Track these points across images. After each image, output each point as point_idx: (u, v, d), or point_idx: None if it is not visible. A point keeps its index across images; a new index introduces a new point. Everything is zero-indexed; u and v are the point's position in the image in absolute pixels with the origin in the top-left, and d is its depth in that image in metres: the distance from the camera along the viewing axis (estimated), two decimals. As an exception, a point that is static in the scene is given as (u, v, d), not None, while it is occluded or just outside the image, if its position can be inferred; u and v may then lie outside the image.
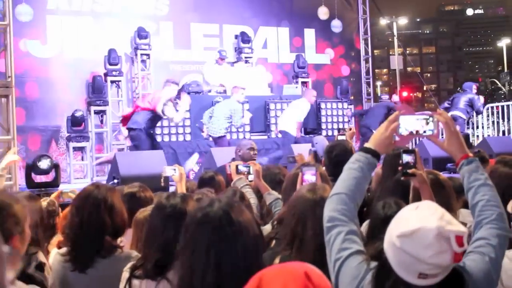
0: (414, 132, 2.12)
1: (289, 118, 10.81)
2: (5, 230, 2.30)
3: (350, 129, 7.03)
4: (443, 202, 2.80)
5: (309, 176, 3.13)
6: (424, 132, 2.12)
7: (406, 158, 2.77)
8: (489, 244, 1.92)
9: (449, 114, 10.80)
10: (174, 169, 4.38)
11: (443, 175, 3.46)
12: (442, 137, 2.19)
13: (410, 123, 2.11)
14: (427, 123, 2.11)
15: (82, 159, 11.77)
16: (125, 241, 3.15)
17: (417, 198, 2.88)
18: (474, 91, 11.79)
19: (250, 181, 3.90)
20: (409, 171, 2.76)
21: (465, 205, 3.15)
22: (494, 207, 2.00)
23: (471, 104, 11.48)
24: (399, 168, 2.81)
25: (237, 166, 4.01)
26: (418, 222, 1.70)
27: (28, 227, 2.47)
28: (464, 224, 3.09)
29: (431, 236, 1.67)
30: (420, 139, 9.02)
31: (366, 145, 2.14)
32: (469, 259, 1.88)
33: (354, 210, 2.03)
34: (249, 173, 3.83)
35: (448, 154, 2.18)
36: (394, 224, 1.77)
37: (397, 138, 2.13)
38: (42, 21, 12.24)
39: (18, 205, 2.42)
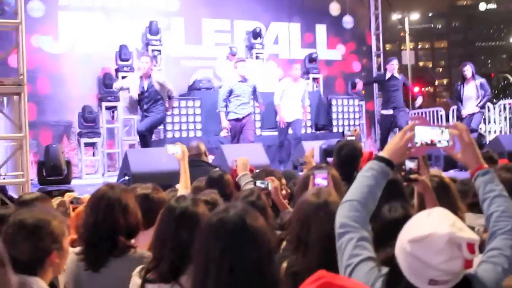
0: (430, 142, 2.12)
1: (288, 107, 10.54)
2: (42, 248, 2.43)
3: (356, 130, 7.10)
4: (449, 204, 2.82)
5: (320, 180, 3.13)
6: (439, 142, 2.12)
7: (409, 164, 2.78)
8: (503, 254, 1.92)
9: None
10: (177, 147, 4.36)
11: (447, 177, 3.47)
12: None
13: (425, 133, 2.11)
14: (443, 133, 2.12)
15: (94, 154, 11.84)
16: (144, 242, 3.14)
17: (422, 203, 2.89)
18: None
19: (265, 191, 3.77)
20: (412, 176, 2.77)
21: (470, 208, 3.16)
22: (509, 218, 2.00)
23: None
24: (402, 173, 2.82)
25: (255, 183, 3.95)
26: (430, 228, 1.71)
27: (67, 241, 2.54)
28: (472, 227, 3.10)
29: (443, 242, 1.68)
30: None
31: (381, 154, 2.16)
32: (481, 269, 1.88)
33: (366, 217, 2.04)
34: (267, 188, 3.68)
35: (464, 164, 2.19)
36: (406, 230, 1.79)
37: (412, 149, 2.13)
38: (54, 17, 12.30)
39: (56, 221, 2.50)
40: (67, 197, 4.34)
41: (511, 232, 1.97)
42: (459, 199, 3.07)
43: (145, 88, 9.15)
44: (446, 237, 1.68)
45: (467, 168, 2.18)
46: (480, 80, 10.58)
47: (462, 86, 10.59)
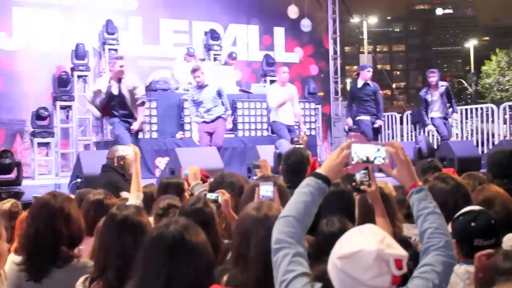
0: (366, 160, 2.15)
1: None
2: None
3: (303, 137, 7.21)
4: (388, 214, 2.88)
5: (265, 192, 3.06)
6: (376, 159, 2.15)
7: (359, 175, 2.81)
8: (434, 270, 1.97)
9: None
10: (129, 149, 4.25)
11: (393, 184, 3.55)
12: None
13: (362, 151, 2.15)
14: (379, 151, 2.15)
15: (47, 154, 11.65)
16: (85, 249, 3.14)
17: (364, 214, 2.95)
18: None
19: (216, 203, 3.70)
20: (362, 187, 2.82)
21: (406, 219, 3.25)
22: (441, 234, 2.06)
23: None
24: (353, 184, 2.86)
25: (205, 195, 3.90)
26: (359, 244, 1.77)
27: (3, 242, 2.46)
28: (409, 237, 3.19)
29: (371, 258, 1.74)
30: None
31: (318, 170, 2.18)
32: (413, 284, 1.93)
33: (302, 233, 2.06)
34: (217, 201, 3.54)
35: (399, 182, 2.24)
36: (337, 246, 1.84)
37: (349, 166, 2.16)
38: (8, 13, 12.06)
39: None
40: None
41: (443, 248, 2.03)
42: (397, 210, 3.15)
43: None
44: (374, 253, 1.74)
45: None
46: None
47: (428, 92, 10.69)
